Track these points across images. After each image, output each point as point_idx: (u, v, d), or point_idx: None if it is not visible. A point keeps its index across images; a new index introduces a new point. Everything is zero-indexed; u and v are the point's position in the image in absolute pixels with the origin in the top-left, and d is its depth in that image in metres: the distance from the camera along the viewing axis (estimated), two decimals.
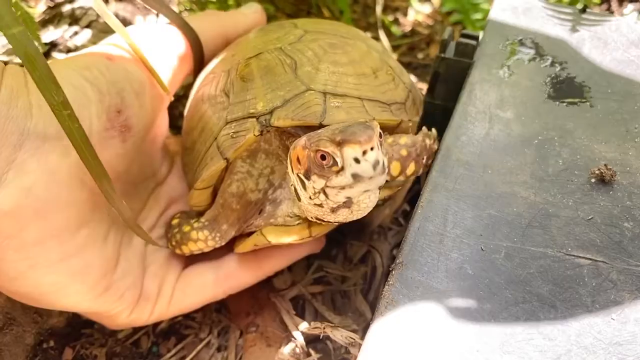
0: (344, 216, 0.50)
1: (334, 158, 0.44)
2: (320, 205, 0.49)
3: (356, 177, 0.44)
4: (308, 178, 0.48)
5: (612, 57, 0.65)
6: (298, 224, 0.58)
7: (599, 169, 0.53)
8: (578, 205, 0.51)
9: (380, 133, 0.45)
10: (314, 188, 0.48)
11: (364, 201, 0.48)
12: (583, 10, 0.70)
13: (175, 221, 0.63)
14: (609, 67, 0.64)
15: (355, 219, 0.51)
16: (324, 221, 0.53)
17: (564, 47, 0.66)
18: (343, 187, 0.45)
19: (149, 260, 0.62)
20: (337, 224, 0.56)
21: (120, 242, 0.58)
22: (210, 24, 0.68)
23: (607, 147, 0.55)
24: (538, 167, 0.54)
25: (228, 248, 0.64)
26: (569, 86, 0.62)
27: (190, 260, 0.65)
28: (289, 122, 0.53)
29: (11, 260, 0.48)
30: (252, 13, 0.72)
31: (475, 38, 0.67)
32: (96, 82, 0.51)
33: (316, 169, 0.46)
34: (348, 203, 0.48)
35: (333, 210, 0.49)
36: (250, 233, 0.61)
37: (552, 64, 0.65)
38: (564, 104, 0.60)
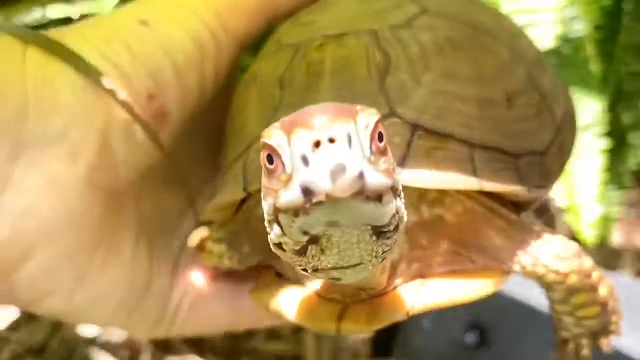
0: (330, 269, 0.29)
1: (281, 158, 0.26)
2: (281, 248, 0.29)
3: (307, 192, 0.24)
4: (264, 198, 0.29)
5: None
6: (339, 301, 0.38)
7: None
8: None
9: (377, 120, 0.27)
10: (268, 215, 0.28)
11: (335, 239, 0.27)
12: None
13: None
14: None
15: (354, 277, 0.31)
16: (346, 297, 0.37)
17: None
18: (296, 213, 0.25)
19: (180, 269, 0.49)
20: (376, 326, 0.38)
21: (152, 251, 0.46)
22: None
23: None
24: None
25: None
26: None
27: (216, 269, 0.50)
28: None
29: (22, 291, 0.41)
30: None
31: None
32: (118, 61, 0.40)
33: (266, 180, 0.28)
34: (313, 240, 0.27)
35: (299, 254, 0.28)
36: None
37: None
38: None
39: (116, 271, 0.43)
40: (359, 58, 0.38)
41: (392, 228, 0.28)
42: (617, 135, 0.80)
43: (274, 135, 0.26)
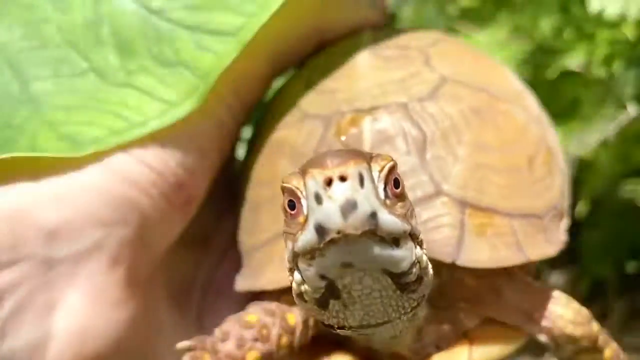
0: (352, 320, 0.28)
1: (300, 201, 0.27)
2: (303, 299, 0.28)
3: (320, 231, 0.24)
4: (286, 244, 0.29)
5: None
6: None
7: None
8: None
9: (392, 165, 0.27)
10: (288, 262, 0.28)
11: (356, 288, 0.26)
12: None
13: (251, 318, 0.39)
14: None
15: (385, 334, 0.32)
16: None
17: None
18: (312, 255, 0.26)
19: (204, 323, 0.47)
20: None
21: (180, 311, 0.47)
22: (301, 15, 0.45)
23: None
24: None
25: None
26: None
27: None
28: None
29: None
30: (372, 10, 0.49)
31: None
32: (148, 158, 0.39)
33: (286, 225, 0.28)
34: (333, 291, 0.27)
35: (321, 306, 0.28)
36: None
37: None
38: None
39: (160, 344, 0.43)
40: (395, 133, 0.38)
41: (413, 278, 0.27)
42: None
43: (292, 179, 0.27)
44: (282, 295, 0.38)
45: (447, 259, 0.34)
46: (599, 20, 0.53)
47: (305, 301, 0.28)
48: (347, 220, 0.24)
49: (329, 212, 0.24)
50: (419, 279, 0.28)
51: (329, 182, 0.24)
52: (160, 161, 0.39)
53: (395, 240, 0.25)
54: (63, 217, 0.36)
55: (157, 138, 0.39)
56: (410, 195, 0.35)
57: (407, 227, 0.26)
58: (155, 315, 0.43)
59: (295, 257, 0.27)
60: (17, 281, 0.35)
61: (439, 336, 0.37)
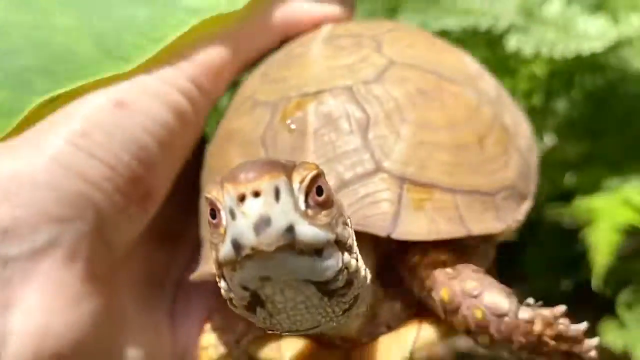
0: (280, 327, 0.28)
1: (220, 212, 0.26)
2: (233, 304, 0.28)
3: (236, 246, 0.24)
4: (212, 252, 0.29)
5: None
6: (339, 346, 0.38)
7: None
8: None
9: (314, 175, 0.26)
10: (215, 269, 0.28)
11: (279, 300, 0.26)
12: None
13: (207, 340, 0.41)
14: None
15: (305, 331, 0.30)
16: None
17: None
18: (233, 267, 0.25)
19: (177, 319, 0.47)
20: None
21: (149, 307, 0.46)
22: (265, 8, 0.46)
23: None
24: None
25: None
26: None
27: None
28: None
29: None
30: (337, 5, 0.49)
31: None
32: (100, 153, 0.37)
33: (210, 234, 0.27)
34: (258, 300, 0.27)
35: (249, 311, 0.28)
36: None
37: None
38: None
39: (126, 340, 0.42)
40: (339, 115, 0.38)
41: (341, 284, 0.27)
42: None
43: (213, 190, 0.26)
44: None
45: (382, 233, 0.34)
46: (518, 57, 0.57)
47: (235, 306, 0.28)
48: (259, 237, 0.23)
49: (242, 229, 0.24)
50: (348, 283, 0.27)
51: (242, 198, 0.24)
52: (112, 155, 0.38)
53: (317, 250, 0.25)
54: (15, 214, 0.35)
55: (108, 131, 0.38)
56: (351, 173, 0.37)
57: (330, 236, 0.26)
58: (119, 312, 0.42)
59: (220, 266, 0.26)
60: None
61: (392, 315, 0.37)
